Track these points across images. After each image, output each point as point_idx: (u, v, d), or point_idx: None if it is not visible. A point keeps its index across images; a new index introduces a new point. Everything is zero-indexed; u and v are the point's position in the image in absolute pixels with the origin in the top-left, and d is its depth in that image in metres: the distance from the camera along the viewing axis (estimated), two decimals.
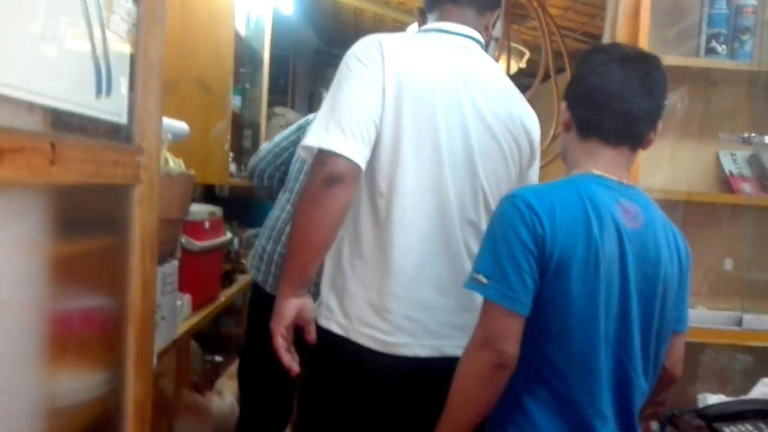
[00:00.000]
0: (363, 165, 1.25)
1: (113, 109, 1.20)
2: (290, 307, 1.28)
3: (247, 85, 3.12)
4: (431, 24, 1.43)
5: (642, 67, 1.15)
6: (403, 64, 1.28)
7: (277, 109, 4.10)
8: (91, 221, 1.21)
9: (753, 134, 1.62)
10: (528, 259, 1.06)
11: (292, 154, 2.19)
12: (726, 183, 1.71)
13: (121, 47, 1.19)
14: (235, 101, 2.85)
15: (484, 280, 1.08)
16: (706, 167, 1.75)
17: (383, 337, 1.30)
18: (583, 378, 1.08)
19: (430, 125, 1.29)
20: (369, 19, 4.09)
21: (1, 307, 0.89)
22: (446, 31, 1.39)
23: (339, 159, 1.21)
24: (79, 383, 1.16)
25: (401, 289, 1.29)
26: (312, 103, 5.11)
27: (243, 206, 3.56)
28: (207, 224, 2.37)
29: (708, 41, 1.59)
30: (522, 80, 3.32)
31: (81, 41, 1.04)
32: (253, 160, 2.33)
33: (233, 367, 2.70)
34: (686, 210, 1.63)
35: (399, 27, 3.85)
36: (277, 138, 2.29)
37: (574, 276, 1.06)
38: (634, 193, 1.16)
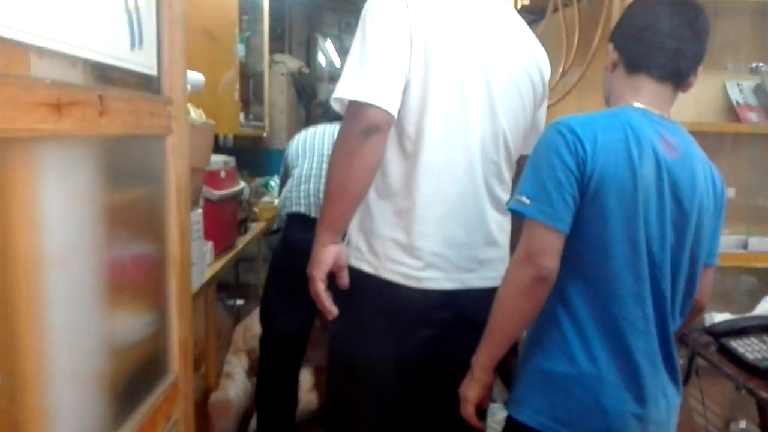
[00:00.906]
0: (396, 113, 1.29)
1: (145, 61, 1.23)
2: (329, 253, 1.34)
3: (249, 34, 3.11)
4: None
5: (690, 11, 1.20)
6: (428, 14, 1.31)
7: (277, 57, 4.08)
8: (131, 172, 1.26)
9: (761, 64, 1.66)
10: (569, 179, 1.12)
11: None
12: (733, 112, 1.75)
13: (147, 3, 1.22)
14: (239, 50, 2.85)
15: (527, 201, 1.14)
16: (713, 97, 1.79)
17: (413, 272, 1.38)
18: (619, 294, 1.14)
19: (455, 71, 1.33)
20: None
21: (65, 253, 0.95)
22: None
23: (374, 110, 1.25)
24: (133, 324, 1.24)
25: (430, 228, 1.35)
26: (309, 49, 5.07)
27: (249, 155, 3.61)
28: (223, 173, 2.42)
29: None
30: (524, 17, 3.31)
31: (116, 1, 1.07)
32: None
33: (237, 342, 2.80)
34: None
35: None
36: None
37: (612, 197, 1.12)
38: (675, 128, 1.21)
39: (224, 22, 2.56)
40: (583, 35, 2.38)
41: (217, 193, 2.28)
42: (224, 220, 2.48)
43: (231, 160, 2.54)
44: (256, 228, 3.06)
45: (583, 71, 2.17)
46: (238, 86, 2.67)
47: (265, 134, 3.60)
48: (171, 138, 1.37)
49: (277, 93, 3.83)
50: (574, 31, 2.34)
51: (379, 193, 1.38)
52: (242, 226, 2.90)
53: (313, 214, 2.29)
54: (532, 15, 3.39)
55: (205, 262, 2.16)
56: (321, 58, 5.43)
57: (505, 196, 1.47)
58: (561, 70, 2.34)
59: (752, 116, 1.74)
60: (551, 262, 1.12)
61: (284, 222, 2.41)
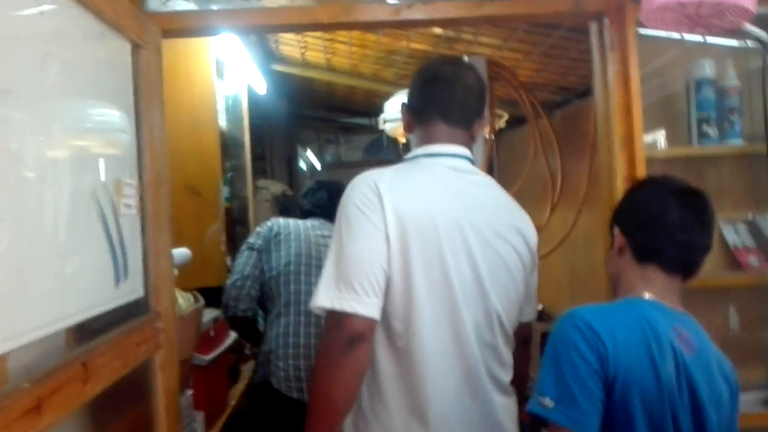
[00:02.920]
0: (379, 315, 1.23)
1: (131, 287, 1.17)
2: None
3: (232, 174, 3.10)
4: (421, 149, 1.41)
5: (698, 202, 1.19)
6: (402, 203, 1.27)
7: (260, 183, 4.07)
8: (115, 406, 1.18)
9: (753, 216, 1.67)
10: (594, 379, 1.05)
11: (259, 279, 2.19)
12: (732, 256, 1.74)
13: (132, 222, 1.18)
14: (224, 192, 2.83)
15: (550, 404, 1.06)
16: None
17: None
18: None
19: (438, 260, 1.28)
20: (342, 90, 4.10)
21: None
22: (436, 155, 1.39)
23: (356, 319, 1.19)
24: None
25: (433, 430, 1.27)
26: (291, 167, 5.11)
27: None
28: (212, 332, 2.33)
29: (699, 126, 1.63)
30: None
31: (99, 241, 1.02)
32: (227, 296, 2.23)
33: None
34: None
35: (372, 96, 3.87)
36: (239, 266, 2.23)
37: (637, 401, 1.06)
38: (687, 320, 1.18)
39: (208, 175, 2.54)
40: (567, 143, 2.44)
41: (206, 357, 2.18)
42: (215, 381, 2.36)
43: (219, 314, 2.45)
44: (247, 370, 2.92)
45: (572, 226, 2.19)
46: (224, 237, 2.62)
47: None
48: (159, 354, 1.29)
49: (262, 220, 3.79)
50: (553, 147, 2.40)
51: (372, 393, 1.30)
52: (233, 372, 2.77)
53: (296, 395, 2.07)
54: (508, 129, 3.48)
55: None
56: (302, 164, 5.48)
57: (507, 377, 1.40)
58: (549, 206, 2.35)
59: (752, 259, 1.72)
60: None
61: (260, 387, 2.18)
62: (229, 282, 2.24)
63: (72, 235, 0.92)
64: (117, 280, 1.10)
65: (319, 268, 2.19)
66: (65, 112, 0.93)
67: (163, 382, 1.30)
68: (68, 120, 0.94)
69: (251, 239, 2.31)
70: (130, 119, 1.20)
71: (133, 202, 1.17)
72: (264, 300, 2.31)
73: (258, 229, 2.34)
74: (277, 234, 2.24)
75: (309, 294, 2.15)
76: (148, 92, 1.27)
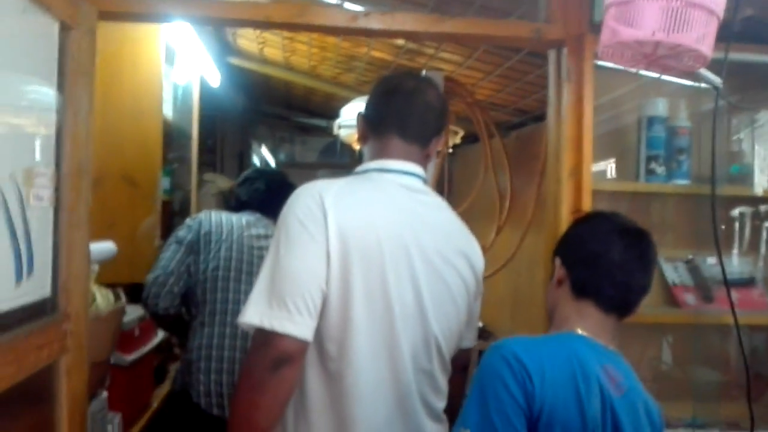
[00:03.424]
0: (311, 338, 1.17)
1: (36, 286, 1.08)
2: None
3: (176, 165, 2.98)
4: (373, 162, 1.35)
5: (642, 243, 1.18)
6: (347, 220, 1.21)
7: (207, 176, 3.93)
8: (12, 412, 1.08)
9: (693, 257, 1.68)
10: (518, 414, 1.03)
11: (184, 276, 2.02)
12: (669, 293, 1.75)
13: (42, 215, 1.08)
14: (164, 183, 2.70)
15: None
16: None
17: None
18: None
19: (380, 281, 1.22)
20: (300, 90, 4.02)
21: None
22: (388, 170, 1.34)
23: (286, 339, 1.12)
24: None
25: None
26: (242, 163, 4.97)
27: None
28: (137, 331, 2.21)
29: (647, 163, 1.63)
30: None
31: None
32: (147, 292, 2.03)
33: None
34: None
35: (330, 99, 3.80)
36: (164, 261, 2.04)
37: None
38: (617, 360, 1.16)
39: (147, 166, 2.41)
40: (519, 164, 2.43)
41: (128, 358, 2.07)
42: (137, 382, 2.24)
43: (146, 313, 2.33)
44: (174, 370, 2.80)
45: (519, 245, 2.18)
46: (159, 232, 2.50)
47: None
48: (66, 358, 1.19)
49: None
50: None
51: (298, 415, 1.23)
52: (159, 371, 2.65)
53: (216, 411, 1.93)
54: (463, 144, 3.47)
55: None
56: (256, 160, 5.35)
57: (441, 404, 1.35)
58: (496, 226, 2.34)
59: (689, 297, 1.73)
60: None
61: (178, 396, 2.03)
62: (150, 277, 2.05)
63: None
64: (18, 278, 1.00)
65: (250, 275, 2.09)
66: None
67: (68, 387, 1.20)
68: None
69: (181, 232, 2.11)
70: (52, 104, 1.11)
71: (46, 193, 1.07)
72: (188, 302, 2.16)
73: (188, 222, 2.13)
74: (208, 233, 2.06)
75: (236, 303, 2.03)
76: (76, 75, 1.17)
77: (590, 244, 1.20)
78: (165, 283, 2.01)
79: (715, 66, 1.35)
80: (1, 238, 0.93)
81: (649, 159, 1.65)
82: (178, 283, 2.02)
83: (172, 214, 2.91)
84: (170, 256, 2.05)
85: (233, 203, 2.31)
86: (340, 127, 3.02)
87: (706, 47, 1.08)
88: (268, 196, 2.21)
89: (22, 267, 1.01)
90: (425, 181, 1.38)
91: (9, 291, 0.98)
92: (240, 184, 2.30)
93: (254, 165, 5.21)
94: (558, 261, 1.25)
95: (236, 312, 2.02)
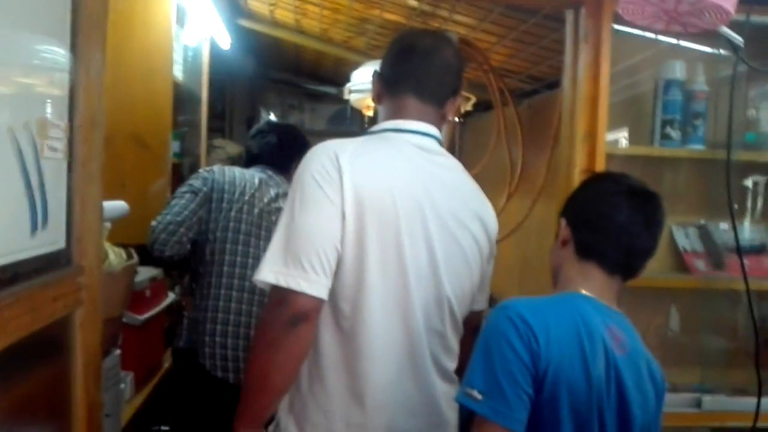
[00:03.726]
0: (327, 296, 1.17)
1: (50, 237, 1.08)
2: None
3: (186, 129, 2.97)
4: (389, 122, 1.35)
5: (648, 205, 1.17)
6: (363, 179, 1.21)
7: (216, 142, 3.92)
8: (27, 363, 1.09)
9: (705, 223, 1.67)
10: (524, 374, 1.04)
11: (195, 228, 2.00)
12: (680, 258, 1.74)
13: (56, 167, 1.08)
14: (174, 147, 2.70)
15: (479, 396, 1.04)
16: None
17: None
18: None
19: (394, 241, 1.23)
20: (310, 55, 3.97)
21: None
22: (404, 131, 1.33)
23: (302, 297, 1.13)
24: None
25: (371, 418, 1.22)
26: (251, 129, 4.94)
27: None
28: (148, 292, 2.23)
29: (663, 127, 1.61)
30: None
31: (14, 186, 0.93)
32: (154, 237, 2.01)
33: None
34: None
35: (340, 64, 3.76)
36: (177, 208, 2.01)
37: (565, 397, 1.05)
38: (620, 320, 1.17)
39: (157, 127, 2.41)
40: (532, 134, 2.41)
41: (140, 317, 2.09)
42: (148, 342, 2.27)
43: (158, 273, 2.35)
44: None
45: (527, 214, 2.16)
46: (169, 194, 2.51)
47: None
48: (80, 311, 1.21)
49: None
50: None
51: (312, 375, 1.25)
52: (169, 334, 2.68)
53: (220, 374, 2.00)
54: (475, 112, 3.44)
55: (124, 400, 1.95)
56: None
57: (452, 365, 1.37)
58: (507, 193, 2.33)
59: (699, 263, 1.73)
60: None
61: (185, 363, 2.07)
62: (160, 222, 1.98)
63: None
64: (33, 229, 1.00)
65: (258, 239, 2.09)
66: None
67: (83, 341, 1.21)
68: None
69: (197, 183, 2.07)
70: (65, 56, 1.10)
71: (60, 145, 1.07)
72: (194, 258, 2.12)
73: (204, 173, 2.10)
74: (221, 190, 2.03)
75: (244, 267, 2.04)
76: (88, 29, 1.16)
77: (597, 205, 1.19)
78: (175, 232, 1.97)
79: (735, 29, 1.32)
80: (17, 188, 0.94)
81: (665, 123, 1.63)
82: (188, 233, 1.98)
83: (182, 178, 2.92)
84: (184, 204, 2.00)
85: (245, 156, 2.30)
86: (351, 91, 2.99)
87: (729, 3, 1.06)
88: (280, 149, 2.21)
89: (37, 218, 1.01)
90: (441, 142, 1.37)
91: (24, 241, 0.98)
92: (252, 136, 2.31)
93: (267, 118, 5.16)
94: (563, 221, 1.25)
95: (243, 276, 2.04)
